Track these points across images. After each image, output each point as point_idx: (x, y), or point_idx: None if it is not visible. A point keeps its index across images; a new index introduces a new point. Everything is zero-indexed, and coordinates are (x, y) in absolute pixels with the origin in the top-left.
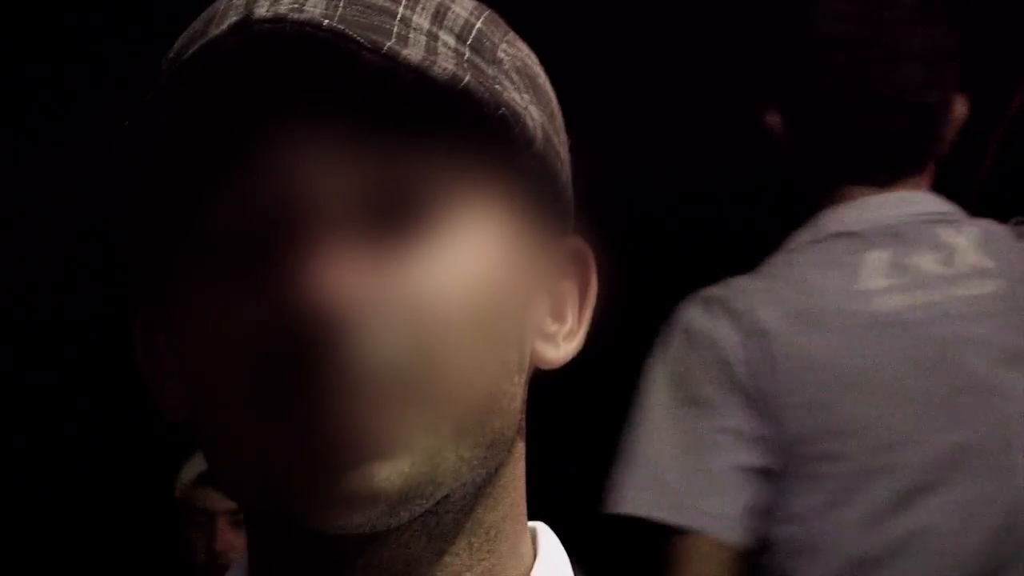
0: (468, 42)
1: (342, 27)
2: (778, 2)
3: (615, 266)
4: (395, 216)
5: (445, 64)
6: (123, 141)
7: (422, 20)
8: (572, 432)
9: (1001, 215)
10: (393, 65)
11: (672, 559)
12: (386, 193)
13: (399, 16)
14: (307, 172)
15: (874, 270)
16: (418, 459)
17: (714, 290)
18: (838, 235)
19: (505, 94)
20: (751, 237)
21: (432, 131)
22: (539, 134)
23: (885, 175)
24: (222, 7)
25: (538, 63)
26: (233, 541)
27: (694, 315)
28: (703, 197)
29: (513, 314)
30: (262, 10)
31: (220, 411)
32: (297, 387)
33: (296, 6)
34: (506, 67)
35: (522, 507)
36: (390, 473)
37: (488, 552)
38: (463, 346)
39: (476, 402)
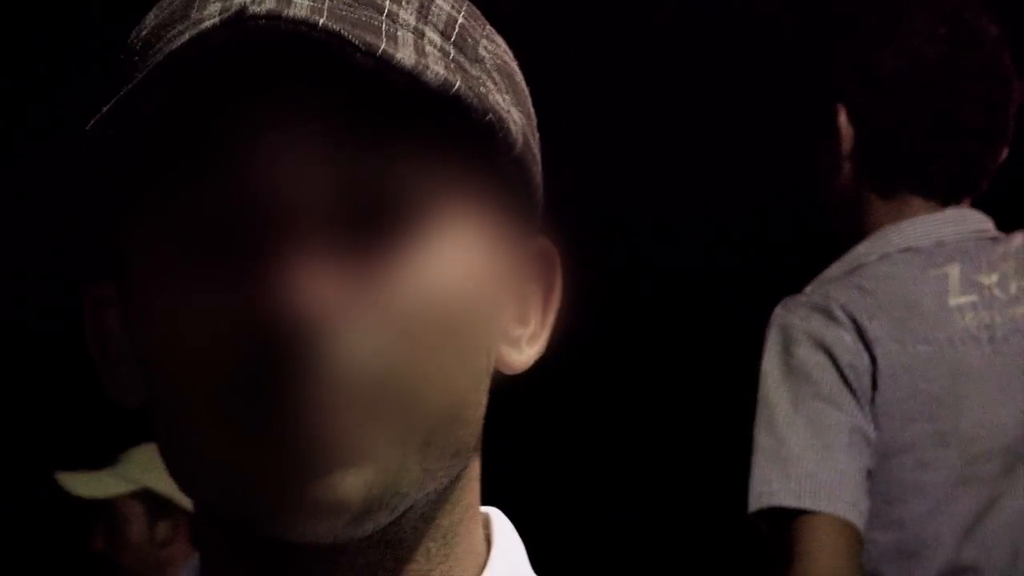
0: (452, 39)
1: (337, 27)
2: (865, 16)
3: (579, 268)
4: (373, 220)
5: (436, 68)
6: (102, 123)
7: (408, 16)
8: (526, 423)
9: (1003, 214)
10: (386, 69)
11: (810, 541)
12: (364, 196)
13: (386, 11)
14: (287, 171)
15: (954, 284)
16: (383, 469)
17: (813, 297)
18: (907, 250)
19: (490, 97)
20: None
21: (415, 134)
22: (520, 138)
23: (947, 194)
24: None
25: (513, 58)
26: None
27: (805, 319)
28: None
29: (484, 321)
30: (253, 3)
31: (185, 409)
32: (266, 393)
33: None
34: (488, 66)
35: (477, 504)
36: (355, 483)
37: (445, 556)
38: (435, 356)
39: (444, 413)
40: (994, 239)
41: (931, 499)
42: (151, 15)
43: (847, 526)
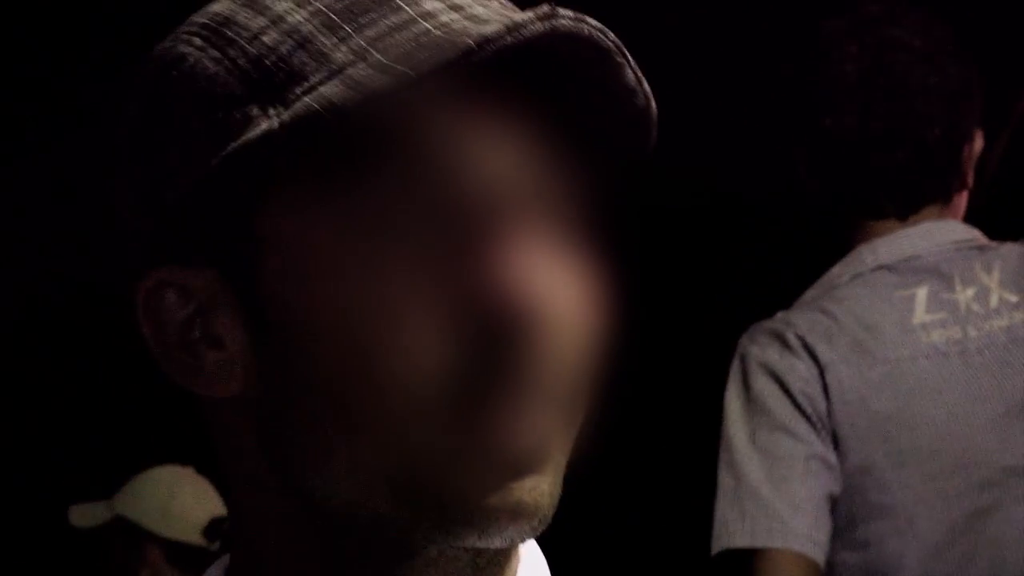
0: None
1: (616, 41)
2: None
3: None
4: (571, 218)
5: (651, 94)
6: (363, 102)
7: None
8: None
9: (1005, 214)
10: (639, 85)
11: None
12: (567, 194)
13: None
14: (524, 165)
15: (920, 305)
16: (558, 474)
17: (774, 324)
18: (878, 268)
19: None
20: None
21: (594, 146)
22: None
23: (905, 208)
24: None
25: None
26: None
27: (762, 348)
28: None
29: None
30: (565, 13)
31: (396, 397)
32: (491, 389)
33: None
34: None
35: None
36: (547, 486)
37: (502, 567)
38: (597, 361)
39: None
40: (980, 248)
41: (893, 519)
42: (279, 3)
43: (803, 560)
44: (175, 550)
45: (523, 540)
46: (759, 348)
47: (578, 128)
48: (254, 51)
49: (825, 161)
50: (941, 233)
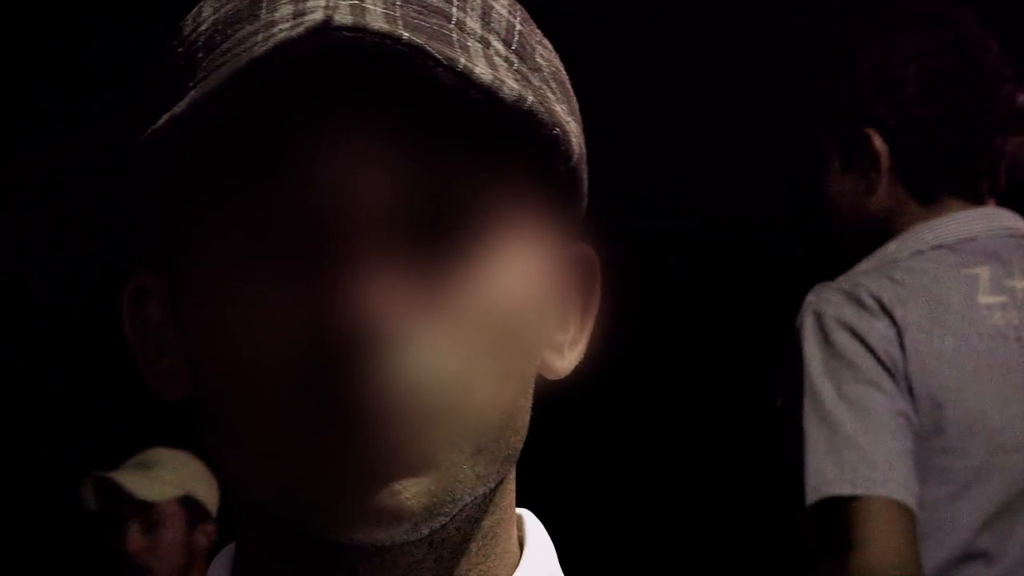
0: (513, 47)
1: (419, 41)
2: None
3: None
4: (436, 231)
5: (511, 83)
6: (173, 123)
7: (474, 24)
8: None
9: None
10: (465, 84)
11: (870, 527)
12: (429, 208)
13: (454, 19)
14: (355, 182)
15: (984, 285)
16: (441, 477)
17: (844, 285)
18: (939, 247)
19: (554, 108)
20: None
21: (479, 146)
22: (577, 149)
23: (976, 192)
24: None
25: (561, 63)
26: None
27: (838, 307)
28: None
29: (535, 329)
30: (336, 13)
31: (245, 411)
32: (331, 400)
33: (356, 3)
34: (545, 75)
35: (513, 505)
36: (417, 491)
37: (484, 556)
38: (492, 365)
39: (497, 420)
40: None
41: (952, 484)
42: (208, 8)
43: (904, 509)
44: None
45: (396, 540)
46: (834, 307)
47: (451, 130)
48: (182, 49)
49: (919, 141)
50: (997, 219)
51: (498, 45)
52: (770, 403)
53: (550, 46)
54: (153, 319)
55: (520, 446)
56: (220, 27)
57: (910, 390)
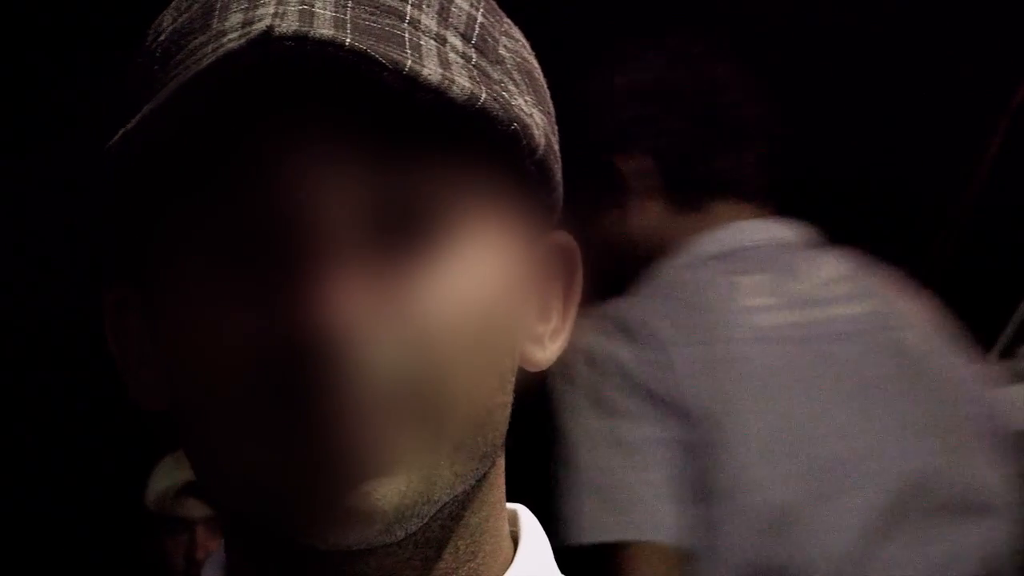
0: (472, 41)
1: (363, 46)
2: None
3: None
4: (401, 232)
5: (462, 82)
6: (126, 137)
7: (430, 21)
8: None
9: (1006, 210)
10: (412, 87)
11: (630, 570)
12: (392, 209)
13: (408, 17)
14: (314, 188)
15: (755, 290)
16: (415, 477)
17: (604, 309)
18: (711, 258)
19: (513, 102)
20: None
21: (440, 145)
22: (542, 140)
23: (743, 199)
24: None
25: (531, 51)
26: (212, 548)
27: (591, 338)
28: None
29: (510, 323)
30: (278, 22)
31: (215, 418)
32: (297, 404)
33: (306, 8)
34: (508, 66)
35: (503, 500)
36: (388, 491)
37: (472, 553)
38: (465, 364)
39: (473, 417)
40: (807, 245)
41: (728, 500)
42: (168, 17)
43: (660, 549)
44: None
45: (372, 542)
46: (597, 336)
47: (410, 131)
48: (142, 60)
49: (679, 160)
50: (767, 228)
51: (455, 41)
52: None
53: (519, 36)
54: (133, 330)
55: (500, 441)
56: (176, 37)
57: (683, 408)
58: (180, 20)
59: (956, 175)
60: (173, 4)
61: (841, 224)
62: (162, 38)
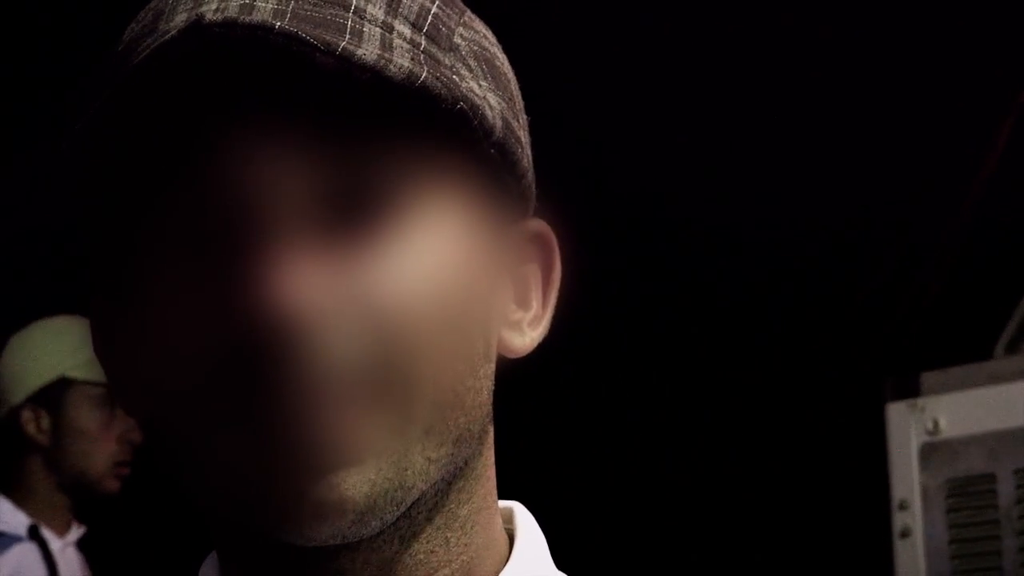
0: (424, 30)
1: (294, 29)
2: None
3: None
4: (354, 215)
5: (401, 61)
6: (73, 141)
7: (376, 10)
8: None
9: (1005, 209)
10: (347, 66)
11: None
12: (344, 192)
13: (353, 7)
14: (263, 174)
15: None
16: (385, 464)
17: None
18: None
19: (463, 84)
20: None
21: (389, 127)
22: (498, 123)
23: None
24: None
25: (496, 44)
26: None
27: None
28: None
29: (477, 306)
30: (211, 12)
31: (177, 417)
32: (258, 395)
33: (246, 3)
34: (463, 53)
35: (494, 495)
36: (357, 480)
37: (465, 546)
38: (427, 345)
39: (442, 401)
40: None
41: None
42: (128, 29)
43: None
44: None
45: (346, 534)
46: None
47: (359, 115)
48: (113, 51)
49: None
50: None
51: (403, 28)
52: (769, 400)
53: (481, 28)
54: (114, 337)
55: (476, 428)
56: (130, 44)
57: None
58: (135, 29)
59: (964, 167)
60: (135, 18)
61: (853, 213)
62: (120, 48)
